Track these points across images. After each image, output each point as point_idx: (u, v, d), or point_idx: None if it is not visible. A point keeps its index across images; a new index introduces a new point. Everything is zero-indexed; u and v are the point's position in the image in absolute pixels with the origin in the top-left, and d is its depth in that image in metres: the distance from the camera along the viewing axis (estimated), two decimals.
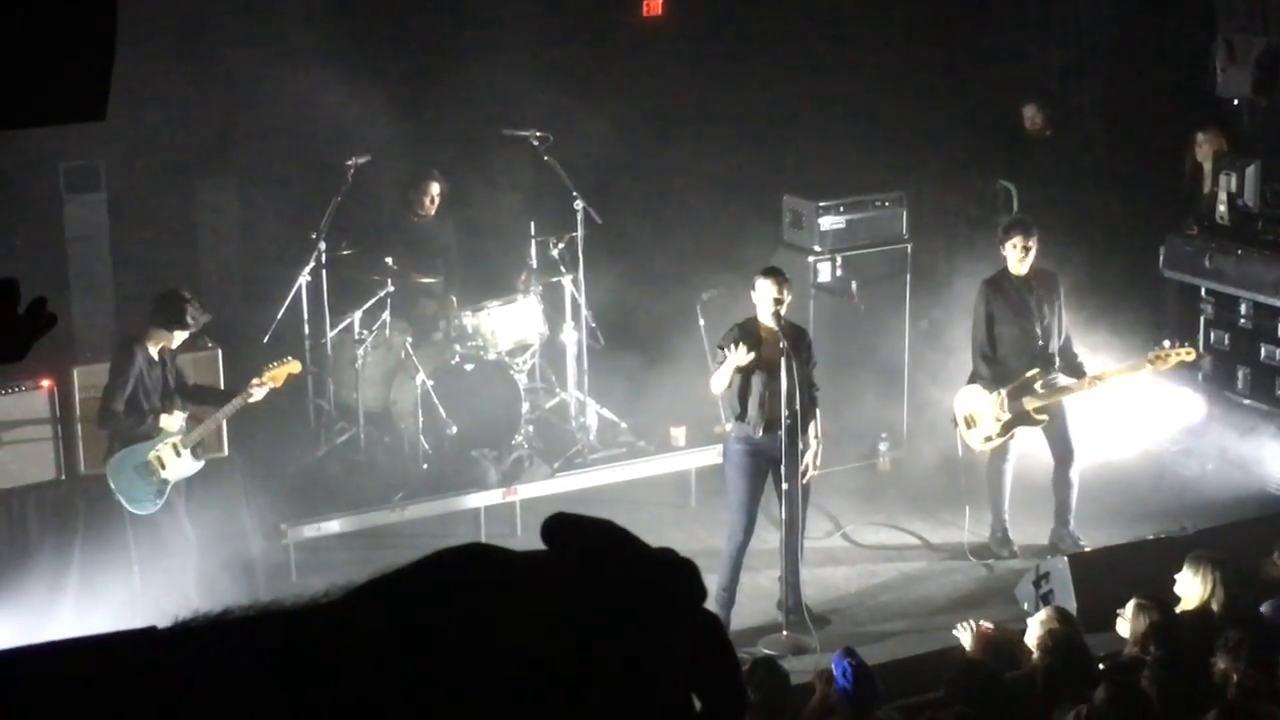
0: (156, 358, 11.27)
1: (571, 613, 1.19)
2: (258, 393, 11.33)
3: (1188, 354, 12.34)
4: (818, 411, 11.53)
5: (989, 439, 12.40)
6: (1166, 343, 12.35)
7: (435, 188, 13.77)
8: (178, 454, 11.28)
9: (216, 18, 13.47)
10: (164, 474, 11.24)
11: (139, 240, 13.45)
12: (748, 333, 11.30)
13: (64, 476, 11.84)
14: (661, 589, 1.23)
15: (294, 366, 11.53)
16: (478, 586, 1.20)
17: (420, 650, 1.17)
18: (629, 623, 1.20)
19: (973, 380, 12.52)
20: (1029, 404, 12.25)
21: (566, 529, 1.26)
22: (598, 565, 1.23)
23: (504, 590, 1.20)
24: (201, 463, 11.45)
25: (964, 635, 9.45)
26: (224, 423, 11.82)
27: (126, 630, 1.23)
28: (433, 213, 13.82)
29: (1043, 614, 9.26)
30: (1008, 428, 12.35)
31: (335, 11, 13.52)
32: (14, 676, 1.19)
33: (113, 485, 11.20)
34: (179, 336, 11.25)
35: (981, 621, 9.70)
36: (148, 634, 1.22)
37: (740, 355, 11.11)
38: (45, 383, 11.71)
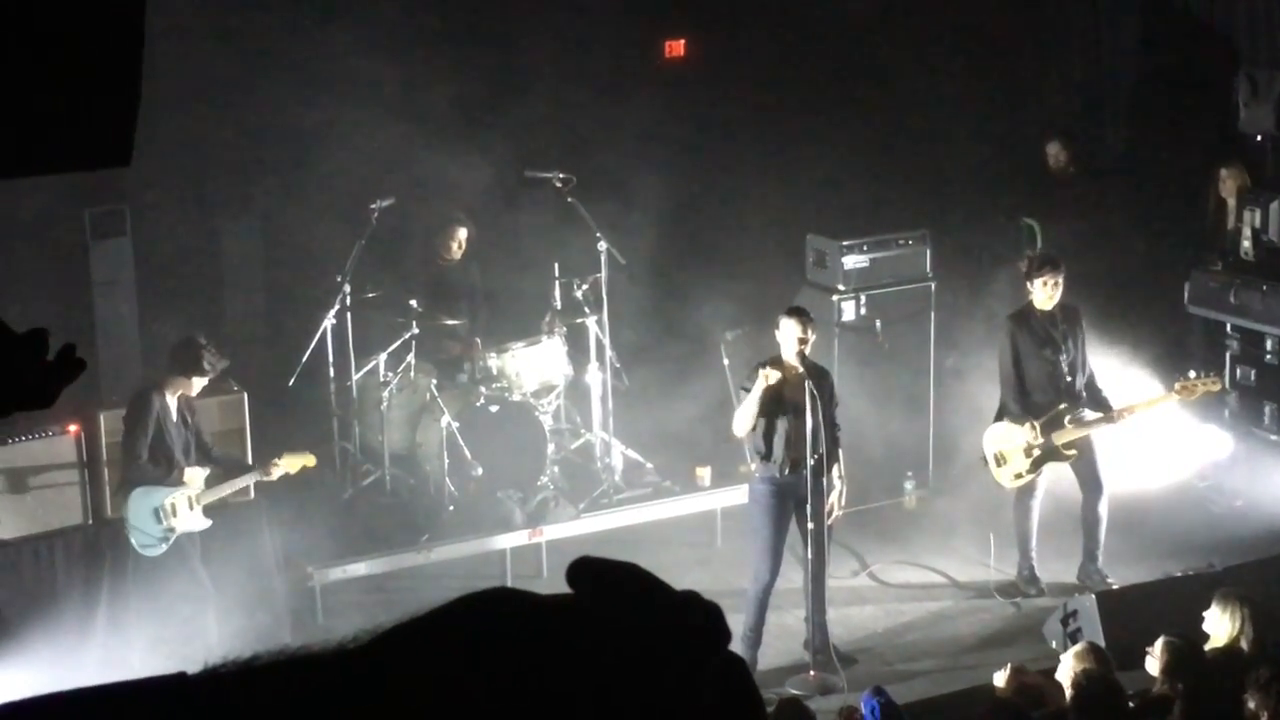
0: (176, 406, 11.30)
1: (596, 657, 1.19)
2: (273, 473, 11.60)
3: (1214, 384, 12.35)
4: (840, 452, 11.53)
5: (1019, 476, 12.38)
6: (1192, 373, 12.36)
7: (463, 233, 13.80)
8: (190, 507, 11.32)
9: (240, 63, 13.53)
10: (172, 522, 11.28)
11: (164, 285, 13.50)
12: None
13: (91, 521, 11.86)
14: (686, 632, 1.23)
15: (309, 460, 11.81)
16: (504, 632, 1.20)
17: (447, 697, 1.17)
18: (654, 667, 1.20)
19: (1000, 417, 12.51)
20: (1058, 439, 12.24)
21: (591, 573, 1.26)
22: (622, 609, 1.23)
23: (529, 635, 1.20)
24: (209, 523, 11.47)
25: (999, 676, 9.40)
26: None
27: (157, 676, 1.23)
28: (458, 257, 13.85)
29: (1076, 649, 9.21)
30: (1037, 464, 12.33)
31: (358, 55, 13.56)
32: None
33: (128, 518, 11.22)
34: (198, 383, 11.29)
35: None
36: (178, 680, 1.22)
37: (763, 381, 11.08)
38: (72, 428, 11.74)
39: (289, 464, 11.60)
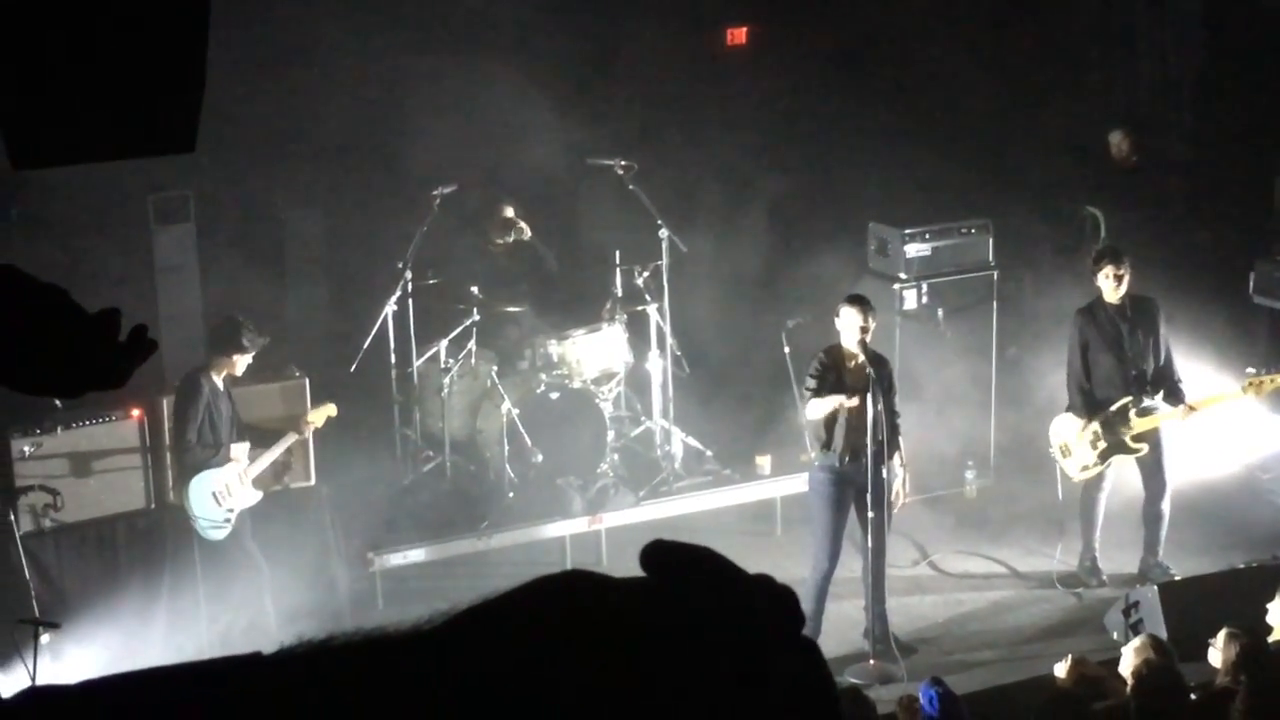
0: (222, 387, 11.40)
1: (672, 640, 1.19)
2: (307, 431, 11.85)
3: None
4: (901, 440, 11.51)
5: (1086, 468, 12.32)
6: (1257, 369, 12.26)
7: (509, 211, 13.73)
8: (241, 483, 11.43)
9: (304, 51, 13.58)
10: (230, 501, 11.37)
11: (227, 271, 13.56)
12: (833, 360, 11.30)
13: (153, 505, 11.95)
14: (761, 615, 1.23)
15: (330, 410, 12.01)
16: (582, 614, 1.20)
17: (528, 678, 1.17)
18: (729, 650, 1.20)
19: (1069, 409, 12.44)
20: (1125, 432, 12.17)
21: (666, 555, 1.26)
22: (697, 592, 1.23)
23: (606, 618, 1.20)
24: (260, 494, 11.57)
25: (1060, 666, 9.36)
26: (310, 453, 12.03)
27: (232, 656, 1.24)
28: (511, 239, 13.78)
29: (1137, 642, 9.16)
30: (1105, 456, 12.27)
31: (419, 44, 13.61)
32: (124, 703, 1.20)
33: (191, 510, 11.29)
34: (241, 362, 11.37)
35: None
36: (255, 659, 1.22)
37: (845, 401, 11.12)
38: (135, 412, 11.84)
39: (316, 418, 11.89)
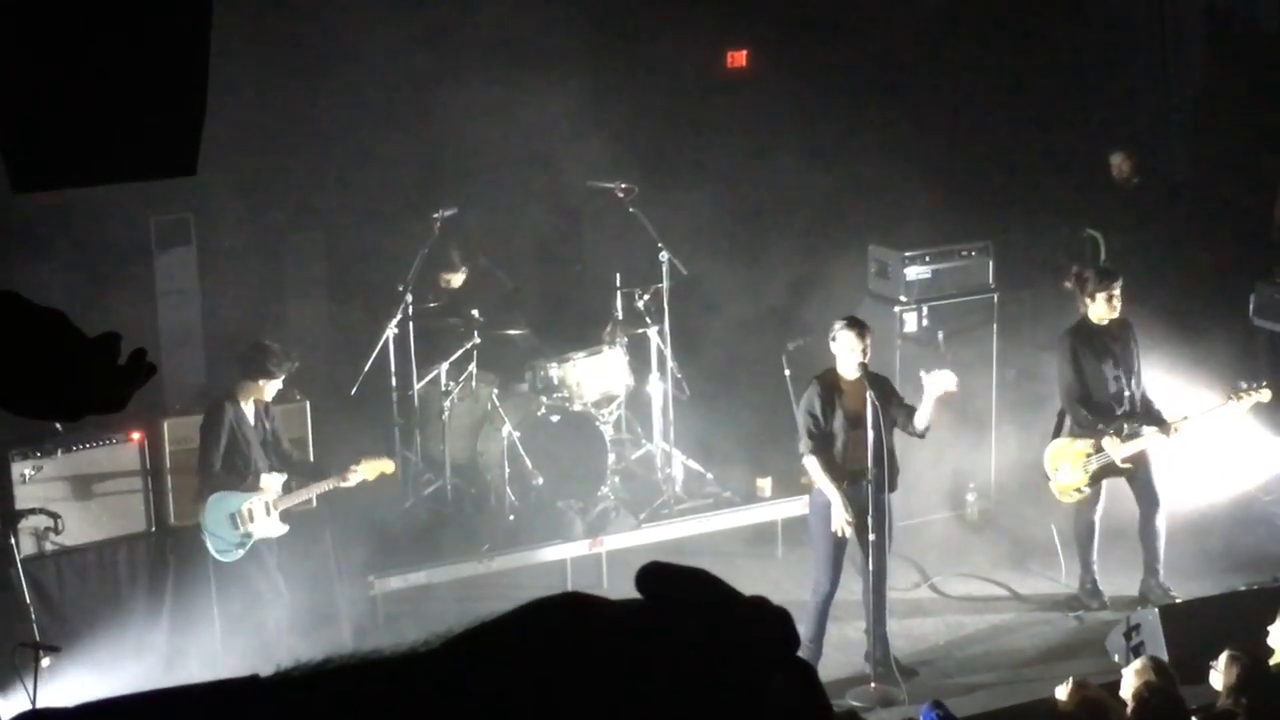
0: (251, 411, 11.33)
1: (666, 662, 1.19)
2: (351, 479, 11.50)
3: (1263, 393, 12.22)
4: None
5: (1078, 490, 12.31)
6: (1243, 383, 12.27)
7: (445, 277, 13.70)
8: (267, 513, 11.34)
9: (305, 76, 13.60)
10: (249, 527, 11.29)
11: (228, 293, 13.57)
12: (827, 385, 11.29)
13: (154, 528, 11.94)
14: (755, 637, 1.23)
15: (388, 466, 11.75)
16: (575, 637, 1.21)
17: (520, 701, 1.17)
18: (724, 671, 1.20)
19: (1058, 433, 12.44)
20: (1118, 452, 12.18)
21: (661, 577, 1.27)
22: (692, 614, 1.23)
23: (601, 640, 1.20)
24: (286, 528, 11.49)
25: (1061, 689, 9.35)
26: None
27: (230, 678, 1.24)
28: (457, 287, 13.76)
29: (1137, 664, 9.15)
30: (1096, 479, 12.28)
31: (420, 68, 13.61)
32: None
33: (204, 524, 11.23)
34: (270, 387, 11.31)
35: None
36: (252, 682, 1.23)
37: (841, 521, 11.15)
38: (135, 435, 11.82)
39: (367, 470, 11.53)
